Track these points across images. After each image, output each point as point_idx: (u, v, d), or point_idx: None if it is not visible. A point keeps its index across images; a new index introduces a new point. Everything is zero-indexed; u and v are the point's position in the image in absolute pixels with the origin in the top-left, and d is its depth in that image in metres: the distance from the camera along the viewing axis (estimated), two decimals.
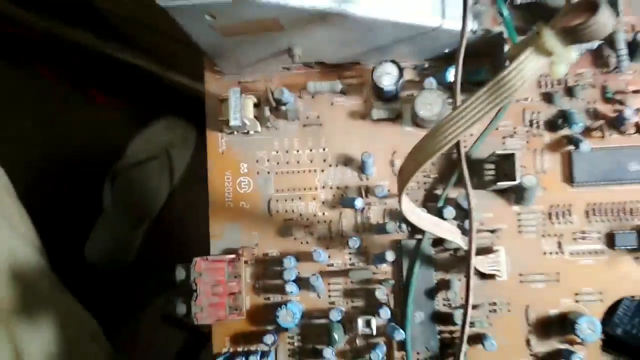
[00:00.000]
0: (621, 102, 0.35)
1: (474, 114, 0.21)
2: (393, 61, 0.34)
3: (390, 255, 0.34)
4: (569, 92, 0.35)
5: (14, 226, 0.53)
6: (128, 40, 0.80)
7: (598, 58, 0.35)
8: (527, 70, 0.20)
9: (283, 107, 0.36)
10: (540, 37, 0.20)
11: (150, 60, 0.85)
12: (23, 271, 0.51)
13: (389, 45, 0.34)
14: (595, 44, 0.35)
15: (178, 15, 0.28)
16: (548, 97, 0.35)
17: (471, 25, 0.32)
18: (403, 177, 0.26)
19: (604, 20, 0.19)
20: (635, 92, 0.35)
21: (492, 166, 0.34)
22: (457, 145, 0.30)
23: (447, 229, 0.31)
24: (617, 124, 0.34)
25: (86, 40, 0.86)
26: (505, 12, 0.31)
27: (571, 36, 0.19)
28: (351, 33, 0.31)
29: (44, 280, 0.54)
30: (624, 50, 0.34)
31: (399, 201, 0.27)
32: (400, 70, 0.34)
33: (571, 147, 0.35)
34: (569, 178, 0.35)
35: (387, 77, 0.34)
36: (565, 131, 0.35)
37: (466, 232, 0.32)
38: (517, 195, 0.35)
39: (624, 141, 0.35)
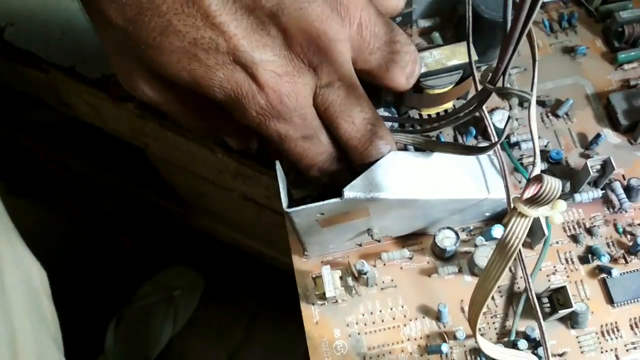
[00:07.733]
0: (632, 234, 0.44)
1: (497, 270, 0.29)
2: (450, 228, 0.43)
3: None
4: (589, 232, 0.44)
5: (48, 327, 0.59)
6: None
7: (606, 202, 0.45)
8: (518, 230, 0.28)
9: (364, 276, 0.44)
10: (516, 208, 0.28)
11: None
12: None
13: (442, 218, 0.43)
14: (599, 193, 0.44)
15: (296, 215, 0.37)
16: (574, 238, 0.44)
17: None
18: (471, 317, 0.33)
19: (550, 186, 0.26)
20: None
21: (547, 300, 0.42)
22: (526, 279, 0.38)
23: (524, 358, 0.38)
24: (633, 250, 0.43)
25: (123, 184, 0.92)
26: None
27: (535, 203, 0.27)
28: (417, 211, 0.41)
29: None
30: (622, 195, 0.44)
31: (476, 341, 0.34)
32: (456, 233, 0.43)
33: (604, 275, 0.43)
34: (609, 299, 0.42)
35: (448, 240, 0.43)
36: (596, 262, 0.43)
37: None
38: (572, 320, 0.42)
39: None
